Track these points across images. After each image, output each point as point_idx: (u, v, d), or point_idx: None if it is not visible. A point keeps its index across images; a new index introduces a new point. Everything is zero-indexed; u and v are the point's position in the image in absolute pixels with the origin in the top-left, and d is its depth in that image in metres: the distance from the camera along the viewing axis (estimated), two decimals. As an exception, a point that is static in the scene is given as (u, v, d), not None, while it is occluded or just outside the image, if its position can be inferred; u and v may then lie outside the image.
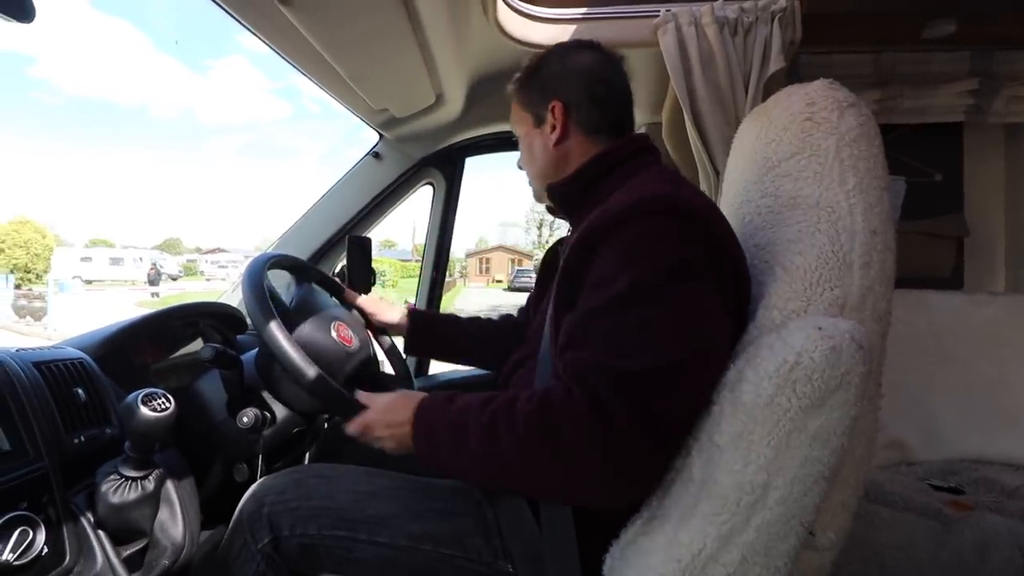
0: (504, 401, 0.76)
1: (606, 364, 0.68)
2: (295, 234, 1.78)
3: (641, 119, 1.66)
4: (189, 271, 46.41)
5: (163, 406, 0.91)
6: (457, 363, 1.39)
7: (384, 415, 0.88)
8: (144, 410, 0.89)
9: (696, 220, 0.74)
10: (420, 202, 1.93)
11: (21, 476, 0.82)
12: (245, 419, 1.07)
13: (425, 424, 0.83)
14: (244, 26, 1.13)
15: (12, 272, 22.01)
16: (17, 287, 18.26)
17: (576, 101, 0.94)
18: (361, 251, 1.43)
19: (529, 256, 45.46)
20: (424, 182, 1.84)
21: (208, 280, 43.07)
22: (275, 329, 0.93)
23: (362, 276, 1.42)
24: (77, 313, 13.53)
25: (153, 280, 22.62)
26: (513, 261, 44.17)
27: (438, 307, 1.90)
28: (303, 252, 1.75)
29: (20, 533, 0.78)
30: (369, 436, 0.89)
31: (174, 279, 31.87)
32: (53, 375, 0.95)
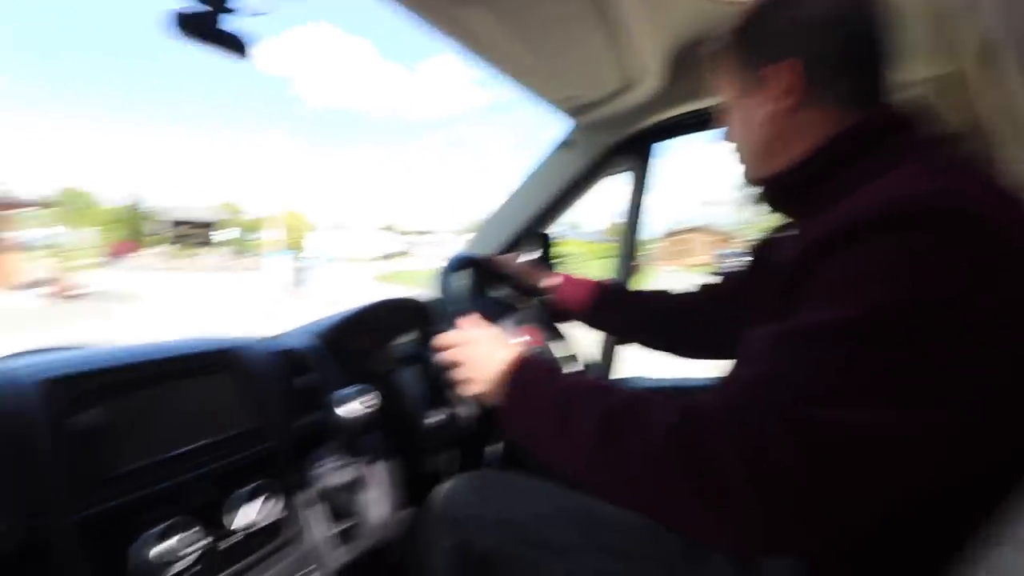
0: (637, 398, 0.64)
1: (785, 400, 0.52)
2: (487, 229, 1.78)
3: (906, 77, 1.30)
4: (407, 250, 54.46)
5: (368, 403, 0.97)
6: (646, 343, 1.23)
7: (481, 342, 0.81)
8: (350, 406, 0.95)
9: (975, 231, 0.52)
10: (612, 183, 1.82)
11: (261, 451, 0.92)
12: (430, 415, 1.12)
13: (522, 380, 0.73)
14: (430, 24, 1.13)
15: (286, 250, 26.99)
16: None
17: (818, 58, 0.71)
18: (542, 247, 1.42)
19: (737, 237, 41.31)
20: (619, 168, 1.72)
21: (422, 258, 50.15)
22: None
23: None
24: (329, 283, 16.15)
25: (387, 257, 27.02)
26: (716, 243, 40.63)
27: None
28: (495, 247, 1.75)
29: (256, 502, 0.87)
30: (453, 355, 0.83)
31: (396, 257, 37.75)
32: (286, 362, 1.04)
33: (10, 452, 0.68)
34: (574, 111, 1.55)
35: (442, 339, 0.86)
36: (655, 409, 0.61)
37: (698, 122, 1.56)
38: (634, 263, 1.75)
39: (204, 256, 26.95)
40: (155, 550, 0.73)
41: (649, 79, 1.37)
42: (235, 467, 0.87)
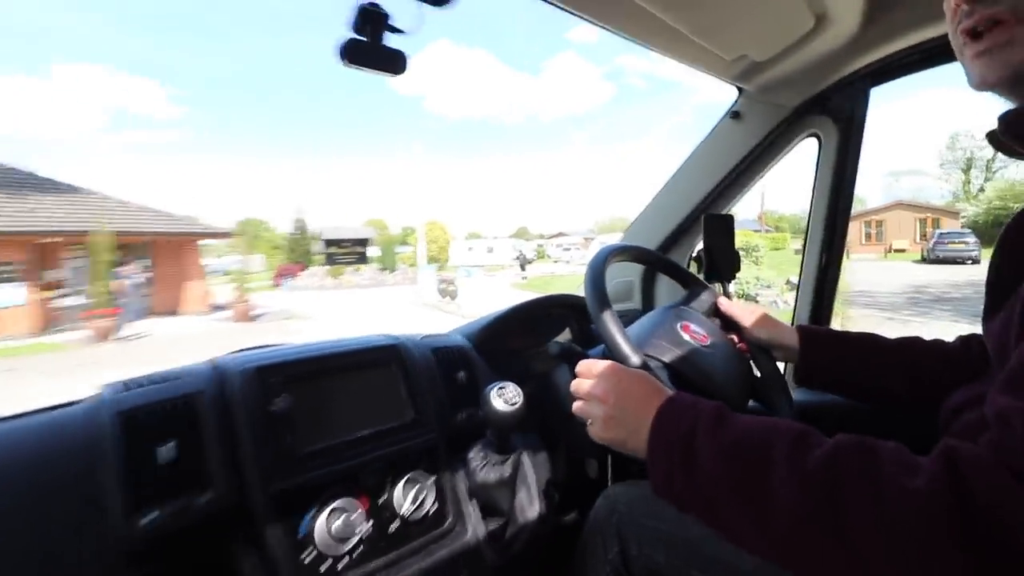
0: (841, 450, 0.51)
1: None
2: (644, 220, 1.62)
3: None
4: (539, 255, 54.41)
5: (513, 400, 0.94)
6: (873, 401, 0.98)
7: (627, 379, 0.70)
8: (496, 403, 0.94)
9: None
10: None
11: (419, 443, 0.96)
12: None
13: (680, 434, 0.60)
14: (575, 14, 1.02)
15: (429, 262, 28.51)
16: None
17: None
18: (721, 231, 1.25)
19: (951, 213, 32.12)
20: (805, 134, 1.46)
21: (555, 262, 48.52)
22: (607, 319, 0.88)
23: (724, 259, 1.24)
24: (475, 293, 16.57)
25: (522, 264, 27.02)
26: (923, 221, 32.13)
27: (832, 298, 1.46)
28: (653, 240, 1.59)
29: (417, 490, 0.92)
30: (589, 389, 0.72)
31: (530, 263, 37.94)
32: (443, 359, 1.08)
33: (221, 431, 0.79)
34: (744, 74, 1.33)
35: (581, 368, 0.78)
36: (884, 465, 0.48)
37: (916, 59, 1.24)
38: (830, 257, 1.43)
39: (357, 273, 29.29)
40: (334, 525, 0.82)
41: (843, 17, 1.13)
42: (400, 455, 0.93)
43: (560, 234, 72.20)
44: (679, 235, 1.58)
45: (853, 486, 0.48)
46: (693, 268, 1.28)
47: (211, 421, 0.79)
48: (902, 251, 31.34)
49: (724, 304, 1.11)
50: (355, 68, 0.79)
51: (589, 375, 0.74)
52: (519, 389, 0.96)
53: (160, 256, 16.66)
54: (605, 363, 0.74)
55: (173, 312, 16.42)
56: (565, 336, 1.40)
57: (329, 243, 31.63)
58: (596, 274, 0.95)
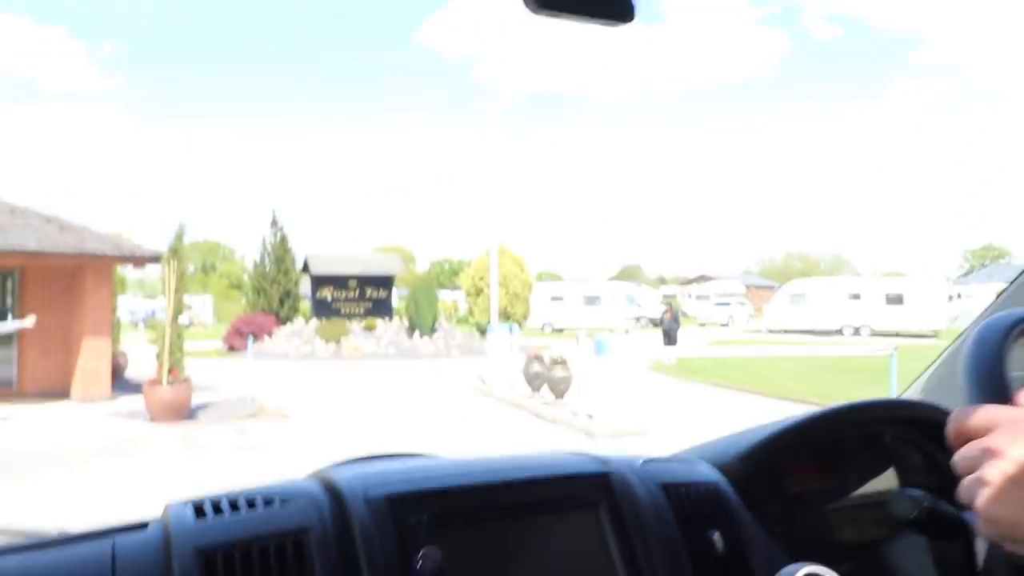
0: None
1: None
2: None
3: None
4: (669, 309, 38.71)
5: None
6: None
7: None
8: None
9: None
10: None
11: None
12: None
13: None
14: None
15: (501, 319, 18.26)
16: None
17: None
18: None
19: None
20: None
21: (702, 325, 35.07)
22: None
23: None
24: (589, 380, 9.25)
25: (668, 329, 18.18)
26: None
27: None
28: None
29: None
30: (984, 449, 0.55)
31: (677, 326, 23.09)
32: (682, 505, 0.80)
33: None
34: None
35: (967, 422, 0.58)
36: None
37: None
38: None
39: (369, 333, 21.43)
40: None
41: None
42: None
43: (702, 278, 53.97)
44: None
45: None
46: None
47: (320, 575, 0.63)
48: None
49: None
50: (550, 15, 0.59)
51: (988, 425, 0.57)
52: None
53: (35, 291, 11.88)
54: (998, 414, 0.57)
55: (52, 394, 11.43)
56: (888, 478, 1.00)
57: (321, 281, 21.79)
58: (989, 360, 0.63)
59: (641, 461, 0.84)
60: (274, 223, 24.73)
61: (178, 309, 10.25)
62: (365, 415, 10.29)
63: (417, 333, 21.27)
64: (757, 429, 0.94)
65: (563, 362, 10.39)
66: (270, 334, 21.34)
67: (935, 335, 26.37)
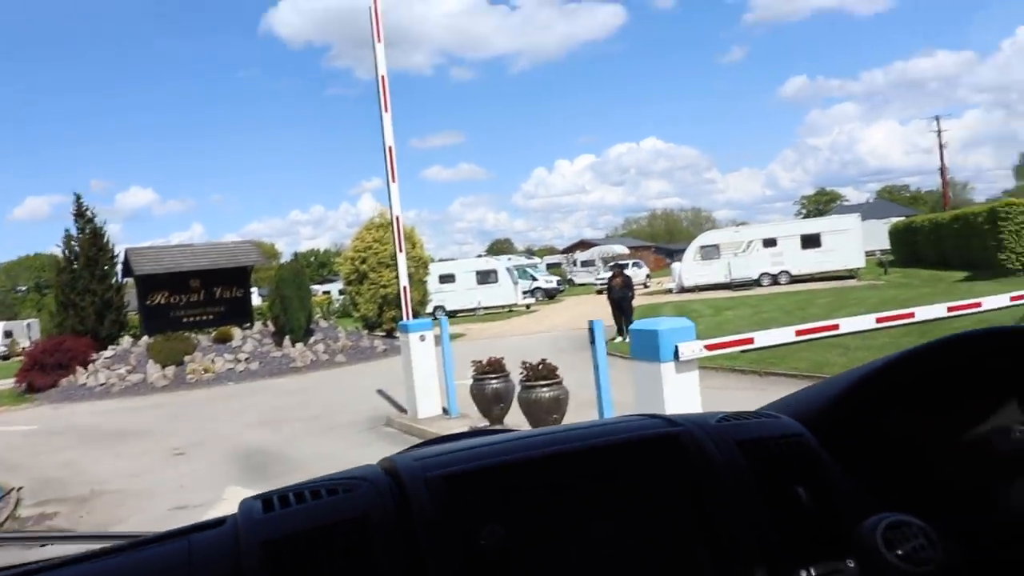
0: None
1: None
2: None
3: None
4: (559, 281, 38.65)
5: (922, 554, 0.63)
6: None
7: None
8: (888, 556, 0.63)
9: None
10: None
11: None
12: None
13: None
14: None
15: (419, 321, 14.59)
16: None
17: None
18: None
19: None
20: None
21: (600, 292, 27.86)
22: None
23: None
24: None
25: (620, 298, 13.72)
26: None
27: None
28: None
29: None
30: None
31: (560, 291, 20.55)
32: (762, 460, 0.77)
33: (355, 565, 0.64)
34: None
35: None
36: None
37: None
38: None
39: (223, 347, 16.59)
40: None
41: None
42: None
43: (582, 243, 53.41)
44: None
45: None
46: None
47: (384, 559, 0.64)
48: None
49: None
50: None
51: None
52: (931, 532, 0.66)
53: None
54: None
55: None
56: (1006, 415, 0.88)
57: (150, 283, 16.68)
58: None
59: (716, 419, 0.82)
60: (80, 214, 18.31)
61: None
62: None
63: (288, 338, 16.67)
64: (845, 375, 0.92)
65: (551, 374, 6.57)
66: (84, 364, 15.87)
67: (854, 275, 25.20)
